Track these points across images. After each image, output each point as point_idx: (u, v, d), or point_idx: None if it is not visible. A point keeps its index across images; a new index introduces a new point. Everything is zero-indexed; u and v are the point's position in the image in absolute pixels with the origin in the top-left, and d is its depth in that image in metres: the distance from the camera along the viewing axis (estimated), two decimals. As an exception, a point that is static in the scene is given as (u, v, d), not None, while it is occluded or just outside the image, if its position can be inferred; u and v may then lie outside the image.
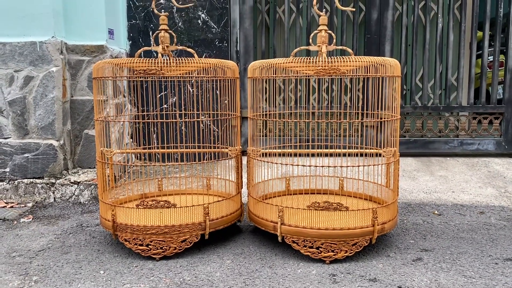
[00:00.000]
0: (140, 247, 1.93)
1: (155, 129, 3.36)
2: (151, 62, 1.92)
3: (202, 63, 2.00)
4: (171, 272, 1.81)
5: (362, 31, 3.67)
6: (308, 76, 2.11)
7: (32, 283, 1.74)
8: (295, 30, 3.56)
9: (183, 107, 3.36)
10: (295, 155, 2.55)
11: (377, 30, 3.46)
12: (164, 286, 1.69)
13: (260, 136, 2.24)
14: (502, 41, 3.62)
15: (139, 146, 3.23)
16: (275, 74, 2.00)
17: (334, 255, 1.87)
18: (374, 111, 2.22)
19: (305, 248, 1.89)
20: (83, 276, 1.79)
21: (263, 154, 2.16)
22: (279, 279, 1.73)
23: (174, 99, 3.41)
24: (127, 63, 1.95)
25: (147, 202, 2.13)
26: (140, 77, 1.90)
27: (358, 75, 2.00)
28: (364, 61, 1.91)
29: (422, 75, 3.66)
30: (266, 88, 3.63)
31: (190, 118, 3.28)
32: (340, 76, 1.95)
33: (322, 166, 1.92)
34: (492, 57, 3.68)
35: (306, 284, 1.69)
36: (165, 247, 1.92)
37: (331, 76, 1.88)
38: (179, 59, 1.93)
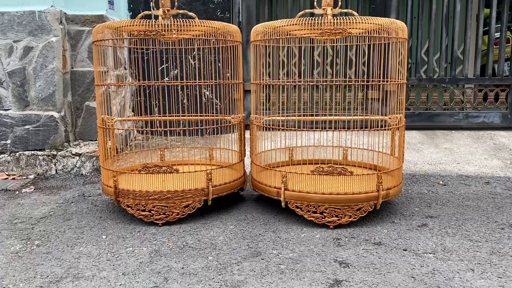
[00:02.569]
0: (143, 213, 1.91)
1: (157, 102, 3.32)
2: (151, 24, 1.87)
3: (204, 26, 1.95)
4: (174, 236, 1.79)
5: (367, 1, 3.59)
6: (312, 44, 2.06)
7: (34, 246, 1.73)
8: (299, 1, 3.49)
9: (185, 79, 3.31)
10: (299, 126, 2.51)
11: (382, 0, 3.38)
12: (167, 249, 1.68)
13: (263, 110, 2.20)
14: (510, 19, 3.54)
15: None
16: (279, 36, 1.95)
17: (338, 220, 1.85)
18: (378, 79, 2.17)
19: (309, 213, 1.87)
20: (85, 241, 1.78)
21: (265, 124, 2.13)
22: (283, 243, 1.72)
23: (176, 71, 3.36)
24: (127, 25, 1.91)
25: (149, 168, 2.10)
26: (140, 39, 1.85)
27: (366, 35, 1.95)
28: (371, 23, 1.85)
29: (427, 48, 3.59)
30: (269, 63, 3.58)
31: (192, 90, 3.24)
32: (346, 39, 1.90)
33: (327, 130, 1.89)
34: (499, 33, 3.60)
35: (310, 247, 1.68)
36: (168, 213, 1.90)
37: (336, 37, 1.83)
38: (180, 21, 1.88)
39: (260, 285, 1.40)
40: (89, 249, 1.70)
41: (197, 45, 2.39)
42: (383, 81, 2.03)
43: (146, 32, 1.85)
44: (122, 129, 2.08)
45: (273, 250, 1.66)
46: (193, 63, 3.35)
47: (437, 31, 3.68)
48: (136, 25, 1.88)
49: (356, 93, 3.45)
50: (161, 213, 1.90)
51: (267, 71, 3.61)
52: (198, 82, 2.04)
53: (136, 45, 2.28)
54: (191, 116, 2.23)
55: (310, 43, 2.36)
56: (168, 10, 2.05)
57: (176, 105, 3.30)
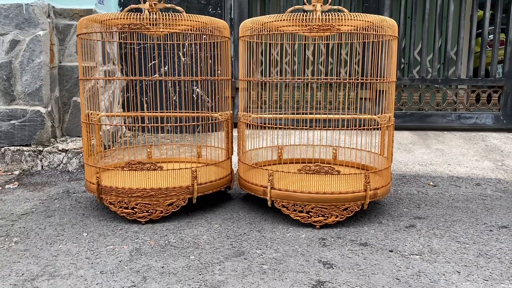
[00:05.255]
0: (125, 210, 1.87)
1: (146, 98, 3.28)
2: (136, 17, 1.83)
3: (192, 20, 1.91)
4: (156, 234, 1.75)
5: (361, 0, 3.56)
6: (303, 42, 2.02)
7: (12, 244, 1.69)
8: (292, -1, 3.46)
9: (171, 75, 3.27)
10: (287, 124, 2.48)
11: (375, -1, 3.35)
12: (148, 247, 1.64)
13: (252, 107, 2.16)
14: (504, 21, 3.52)
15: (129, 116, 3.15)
16: (267, 32, 1.92)
17: (324, 219, 1.82)
18: (370, 78, 2.14)
19: (295, 213, 1.84)
20: (65, 238, 1.73)
21: (253, 121, 2.09)
22: (268, 242, 1.68)
23: (166, 68, 3.32)
24: (112, 18, 1.86)
25: (133, 165, 2.06)
26: (130, 33, 1.81)
27: (355, 32, 1.92)
28: (360, 20, 1.82)
29: (420, 48, 3.57)
30: (261, 61, 3.54)
31: (181, 86, 3.20)
32: (336, 36, 1.87)
33: (314, 129, 1.86)
34: (492, 35, 3.58)
35: (295, 247, 1.64)
36: (151, 211, 1.86)
37: (325, 33, 1.79)
38: (166, 15, 1.84)
39: (241, 286, 1.36)
40: (68, 246, 1.65)
41: (185, 41, 2.35)
42: (372, 80, 2.00)
43: (130, 26, 1.81)
44: (108, 125, 2.03)
45: (257, 249, 1.62)
46: (183, 59, 3.31)
47: (431, 31, 3.66)
48: (121, 18, 1.84)
49: (348, 92, 3.42)
50: (144, 211, 1.86)
51: (260, 69, 3.57)
52: (184, 78, 2.00)
53: (124, 40, 2.24)
54: (177, 112, 2.19)
55: (301, 40, 2.33)
56: (155, 3, 2.01)
57: (163, 102, 3.25)
